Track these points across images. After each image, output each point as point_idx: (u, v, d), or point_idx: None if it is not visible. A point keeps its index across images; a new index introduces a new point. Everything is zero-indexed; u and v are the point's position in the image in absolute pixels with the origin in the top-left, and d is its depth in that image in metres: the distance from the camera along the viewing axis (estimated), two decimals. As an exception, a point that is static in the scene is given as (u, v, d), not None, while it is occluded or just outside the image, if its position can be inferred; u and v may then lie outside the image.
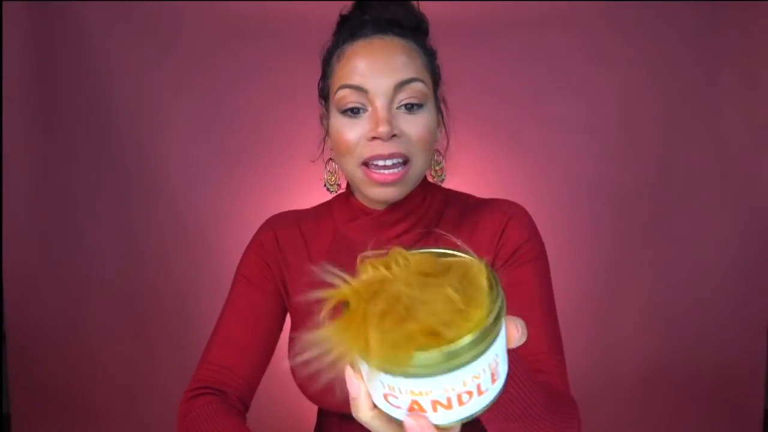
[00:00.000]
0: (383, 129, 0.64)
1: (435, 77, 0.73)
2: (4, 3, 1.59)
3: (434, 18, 0.75)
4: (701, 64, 1.71)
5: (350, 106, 0.66)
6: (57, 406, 1.72)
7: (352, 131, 0.67)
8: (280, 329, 0.78)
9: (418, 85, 0.66)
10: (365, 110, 0.67)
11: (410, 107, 0.67)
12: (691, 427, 1.77)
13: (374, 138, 0.65)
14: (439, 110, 0.74)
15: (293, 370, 0.74)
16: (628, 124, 1.75)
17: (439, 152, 0.75)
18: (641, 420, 1.77)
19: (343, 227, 0.74)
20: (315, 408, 0.81)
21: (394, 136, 0.65)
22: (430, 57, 0.73)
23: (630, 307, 1.78)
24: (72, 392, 1.72)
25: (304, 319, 0.74)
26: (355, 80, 0.66)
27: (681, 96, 1.73)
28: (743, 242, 1.75)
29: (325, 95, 0.74)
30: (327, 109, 0.73)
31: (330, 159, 0.76)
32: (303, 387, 0.74)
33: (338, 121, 0.68)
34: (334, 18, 0.74)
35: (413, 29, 0.72)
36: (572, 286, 1.61)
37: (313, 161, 0.79)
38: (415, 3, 0.75)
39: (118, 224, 1.74)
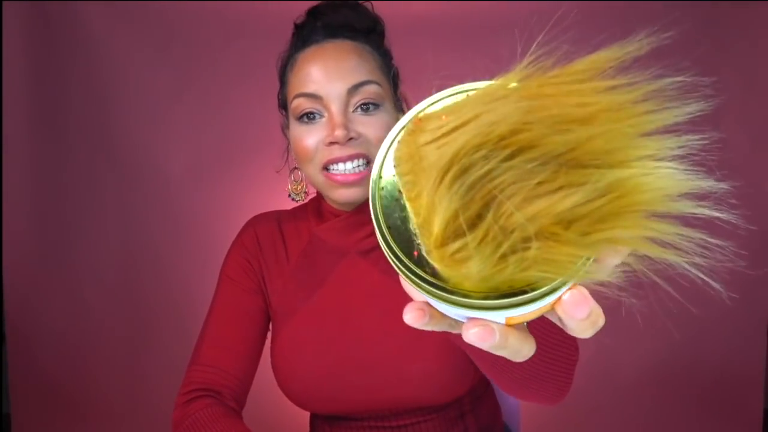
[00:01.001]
0: (339, 133, 0.64)
1: (393, 78, 0.73)
2: (4, 3, 1.59)
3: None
4: (701, 64, 1.70)
5: (305, 111, 0.67)
6: (57, 406, 1.72)
7: (310, 137, 0.68)
8: (268, 327, 0.78)
9: (372, 87, 0.67)
10: (321, 116, 0.67)
11: (366, 108, 0.67)
12: (691, 427, 1.77)
13: (332, 143, 0.66)
14: (400, 110, 0.74)
15: (276, 372, 0.74)
16: (628, 124, 1.75)
17: None
18: (641, 420, 1.77)
19: (315, 229, 0.75)
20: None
21: (351, 139, 0.66)
22: (385, 58, 0.73)
23: (630, 306, 1.78)
24: (72, 392, 1.72)
25: (282, 319, 0.74)
26: (309, 88, 0.67)
27: (681, 96, 1.73)
28: (743, 242, 1.75)
29: (283, 104, 0.77)
30: (287, 118, 0.75)
31: (295, 168, 0.78)
32: (285, 390, 0.74)
33: (296, 129, 0.70)
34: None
35: (366, 32, 0.72)
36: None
37: (278, 171, 0.82)
38: (369, 5, 0.75)
39: (117, 224, 1.74)
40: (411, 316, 0.27)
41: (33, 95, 1.66)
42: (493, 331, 0.25)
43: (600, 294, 0.27)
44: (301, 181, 0.77)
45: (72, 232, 1.71)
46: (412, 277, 0.24)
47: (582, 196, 0.21)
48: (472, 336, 0.25)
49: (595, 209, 0.21)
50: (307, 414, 0.85)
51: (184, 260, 1.73)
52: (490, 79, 0.29)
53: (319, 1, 0.75)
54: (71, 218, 1.71)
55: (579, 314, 0.27)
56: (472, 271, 0.21)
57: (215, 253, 0.81)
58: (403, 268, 0.24)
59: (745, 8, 1.66)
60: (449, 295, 0.23)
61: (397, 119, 0.70)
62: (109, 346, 1.73)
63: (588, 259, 0.23)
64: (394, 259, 0.24)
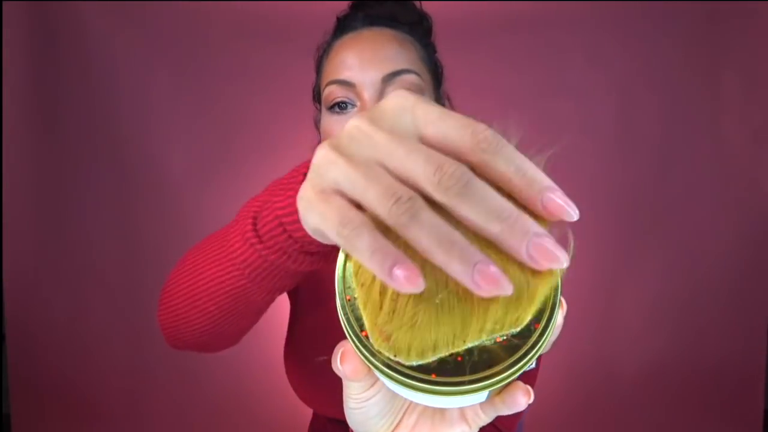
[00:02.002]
0: None
1: (435, 72, 0.68)
2: (4, 3, 1.59)
3: (432, 18, 0.74)
4: (701, 64, 1.71)
5: (337, 100, 0.62)
6: (57, 406, 1.72)
7: (340, 129, 0.61)
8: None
9: (409, 77, 0.61)
10: (354, 105, 0.62)
11: None
12: (691, 427, 1.77)
13: None
14: None
15: (288, 371, 0.74)
16: (627, 125, 1.75)
17: None
18: (641, 419, 1.77)
19: None
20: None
21: None
22: (427, 50, 0.68)
23: (630, 307, 1.78)
24: (72, 392, 1.72)
25: (307, 308, 0.72)
26: (342, 74, 0.61)
27: (680, 96, 1.73)
28: (743, 242, 1.75)
29: (317, 95, 0.71)
30: (320, 110, 0.69)
31: None
32: (297, 388, 0.74)
33: (327, 119, 0.64)
34: (331, 17, 0.73)
35: (410, 24, 0.68)
36: (572, 286, 1.61)
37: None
38: (417, 3, 0.71)
39: (118, 223, 1.74)
40: (350, 368, 0.26)
41: (33, 95, 1.66)
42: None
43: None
44: None
45: (72, 232, 1.71)
46: (364, 351, 0.24)
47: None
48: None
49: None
50: (307, 414, 0.85)
51: (184, 260, 1.73)
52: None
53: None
54: (71, 218, 1.71)
55: (521, 406, 0.27)
56: (399, 341, 0.23)
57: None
58: (355, 340, 0.24)
59: (745, 8, 1.65)
60: (400, 376, 0.23)
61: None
62: (109, 345, 1.73)
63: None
64: (349, 332, 0.25)
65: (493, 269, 0.20)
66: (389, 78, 0.60)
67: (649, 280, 1.78)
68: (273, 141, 1.70)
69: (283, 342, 0.76)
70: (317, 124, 0.72)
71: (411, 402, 0.32)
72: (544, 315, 0.23)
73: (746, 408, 1.77)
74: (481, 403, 0.29)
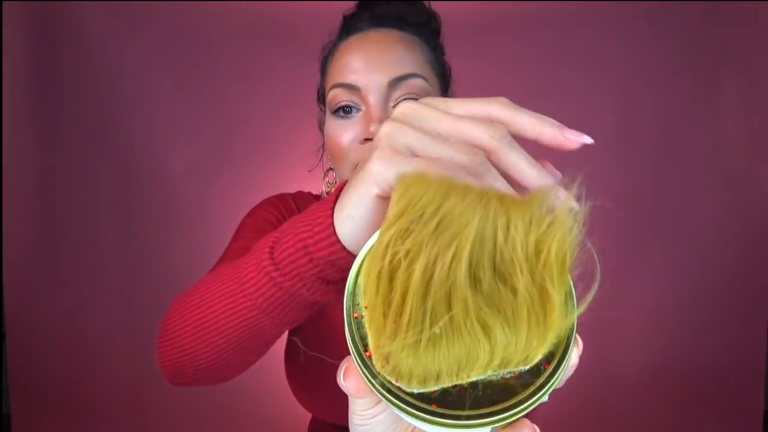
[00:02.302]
0: (375, 129, 0.57)
1: (442, 75, 0.66)
2: (4, 3, 1.59)
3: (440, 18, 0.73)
4: (701, 64, 1.71)
5: (341, 104, 0.60)
6: (57, 406, 1.72)
7: (344, 133, 0.60)
8: None
9: (416, 81, 0.59)
10: (358, 109, 0.60)
11: None
12: (691, 427, 1.77)
13: (367, 140, 0.58)
14: None
15: (289, 377, 0.74)
16: (627, 125, 1.75)
17: None
18: (641, 420, 1.77)
19: None
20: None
21: None
22: (435, 52, 0.66)
23: (630, 307, 1.78)
24: (72, 392, 1.72)
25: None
26: (347, 78, 0.59)
27: (680, 96, 1.73)
28: (743, 242, 1.75)
29: (322, 97, 0.69)
30: (325, 112, 0.67)
31: (329, 169, 0.69)
32: (297, 395, 0.73)
33: (331, 124, 0.62)
34: (335, 17, 0.72)
35: (418, 25, 0.66)
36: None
37: (311, 171, 0.74)
38: (426, 3, 0.69)
39: (118, 223, 1.74)
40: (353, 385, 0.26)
41: (33, 95, 1.66)
42: None
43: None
44: (336, 183, 0.67)
45: (72, 232, 1.71)
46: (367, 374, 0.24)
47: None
48: None
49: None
50: (307, 416, 0.85)
51: (184, 260, 1.73)
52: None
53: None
54: (71, 218, 1.71)
55: None
56: (401, 366, 0.22)
57: (215, 252, 0.80)
58: (358, 359, 0.24)
59: (745, 8, 1.65)
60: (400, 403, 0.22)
61: None
62: (109, 345, 1.73)
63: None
64: (353, 350, 0.24)
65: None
66: (395, 82, 0.59)
67: (649, 280, 1.78)
68: (275, 142, 1.70)
69: (281, 343, 0.76)
70: (321, 125, 0.71)
71: None
72: (556, 355, 0.23)
73: (746, 408, 1.77)
74: None
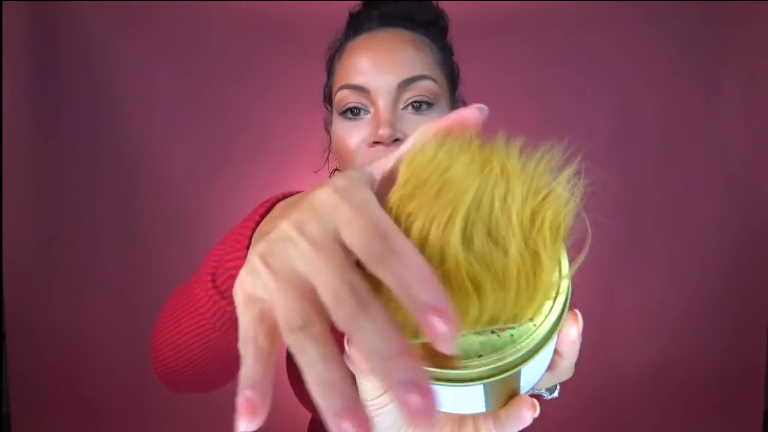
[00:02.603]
0: (384, 132, 0.56)
1: (451, 76, 0.66)
2: (4, 3, 1.59)
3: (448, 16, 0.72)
4: (700, 64, 1.71)
5: (349, 106, 0.59)
6: (57, 406, 1.72)
7: (352, 136, 0.59)
8: None
9: (426, 84, 0.58)
10: (367, 111, 0.59)
11: (418, 107, 0.59)
12: (691, 427, 1.77)
13: (375, 143, 0.58)
14: None
15: (290, 375, 0.73)
16: (627, 124, 1.75)
17: None
18: (641, 420, 1.77)
19: None
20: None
21: (396, 140, 0.57)
22: (444, 53, 0.66)
23: (630, 307, 1.78)
24: (72, 392, 1.72)
25: None
26: (355, 79, 0.59)
27: (681, 96, 1.73)
28: (743, 242, 1.75)
29: (328, 98, 0.68)
30: (331, 113, 0.66)
31: (336, 169, 0.68)
32: (299, 394, 0.73)
33: (338, 125, 0.61)
34: (335, 17, 0.71)
35: (426, 24, 0.65)
36: (572, 286, 1.61)
37: (317, 171, 0.73)
38: (435, 2, 0.69)
39: (118, 223, 1.74)
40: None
41: (33, 95, 1.66)
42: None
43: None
44: None
45: (72, 231, 1.71)
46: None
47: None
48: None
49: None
50: (307, 415, 0.85)
51: (184, 260, 1.72)
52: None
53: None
54: (71, 218, 1.71)
55: (572, 336, 0.26)
56: (394, 316, 0.22)
57: (215, 253, 0.80)
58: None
59: (745, 8, 1.65)
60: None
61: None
62: (109, 345, 1.73)
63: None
64: None
65: (356, 421, 0.20)
66: (405, 84, 0.58)
67: (649, 280, 1.78)
68: (276, 142, 1.70)
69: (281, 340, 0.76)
70: (327, 126, 0.70)
71: None
72: (546, 317, 0.23)
73: (746, 408, 1.77)
74: (489, 418, 0.29)
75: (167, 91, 1.71)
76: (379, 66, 0.58)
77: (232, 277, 0.40)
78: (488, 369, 0.22)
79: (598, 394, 1.74)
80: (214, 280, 0.42)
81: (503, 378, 0.23)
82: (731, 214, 1.75)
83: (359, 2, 0.69)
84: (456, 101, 0.68)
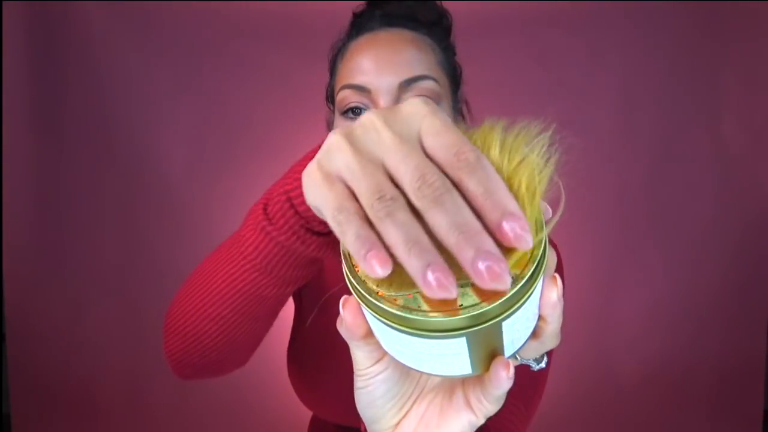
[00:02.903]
0: None
1: (453, 76, 0.66)
2: (4, 3, 1.59)
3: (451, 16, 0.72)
4: (700, 64, 1.71)
5: (351, 106, 0.60)
6: (57, 406, 1.72)
7: None
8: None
9: (428, 84, 0.59)
10: (368, 111, 0.60)
11: None
12: (691, 427, 1.77)
13: None
14: (459, 113, 0.67)
15: (291, 374, 0.73)
16: (627, 124, 1.75)
17: None
18: (641, 420, 1.77)
19: None
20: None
21: None
22: (447, 53, 0.66)
23: (630, 307, 1.78)
24: (72, 392, 1.72)
25: (312, 312, 0.71)
26: (357, 79, 0.59)
27: (680, 96, 1.73)
28: (743, 242, 1.75)
29: (330, 97, 0.69)
30: (333, 112, 0.66)
31: None
32: (299, 392, 0.73)
33: (340, 125, 0.62)
34: (337, 17, 0.71)
35: (429, 24, 0.65)
36: (572, 286, 1.61)
37: None
38: (438, 2, 0.69)
39: (118, 224, 1.74)
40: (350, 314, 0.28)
41: (33, 95, 1.66)
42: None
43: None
44: None
45: (72, 232, 1.71)
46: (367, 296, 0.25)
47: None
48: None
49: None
50: (307, 414, 0.85)
51: (184, 260, 1.72)
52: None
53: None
54: (71, 218, 1.71)
55: (551, 297, 0.27)
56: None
57: (215, 253, 0.80)
58: (350, 277, 0.26)
59: (745, 8, 1.66)
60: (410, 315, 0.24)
61: (455, 122, 0.63)
62: (108, 346, 1.73)
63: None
64: (346, 272, 0.26)
65: (443, 273, 0.21)
66: (406, 84, 0.58)
67: (649, 279, 1.78)
68: (275, 142, 1.70)
69: (282, 340, 0.76)
70: (329, 125, 0.70)
71: (420, 390, 0.33)
72: (523, 270, 0.24)
73: (746, 408, 1.77)
74: (477, 385, 0.30)
75: (168, 91, 1.71)
76: (381, 66, 0.59)
77: (287, 194, 0.40)
78: (468, 317, 0.23)
79: (597, 394, 1.75)
80: (265, 208, 0.42)
81: (484, 329, 0.24)
82: (731, 214, 1.75)
83: (362, 2, 0.69)
84: (458, 102, 0.68)
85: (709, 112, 1.74)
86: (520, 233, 0.22)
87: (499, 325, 0.24)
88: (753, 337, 1.76)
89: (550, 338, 0.29)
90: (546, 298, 0.27)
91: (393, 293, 0.24)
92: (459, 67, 0.69)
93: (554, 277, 0.27)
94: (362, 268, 0.23)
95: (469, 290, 0.24)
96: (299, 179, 0.37)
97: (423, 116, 0.26)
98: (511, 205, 0.23)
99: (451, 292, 0.21)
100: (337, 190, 0.25)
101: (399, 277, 0.24)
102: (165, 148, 1.72)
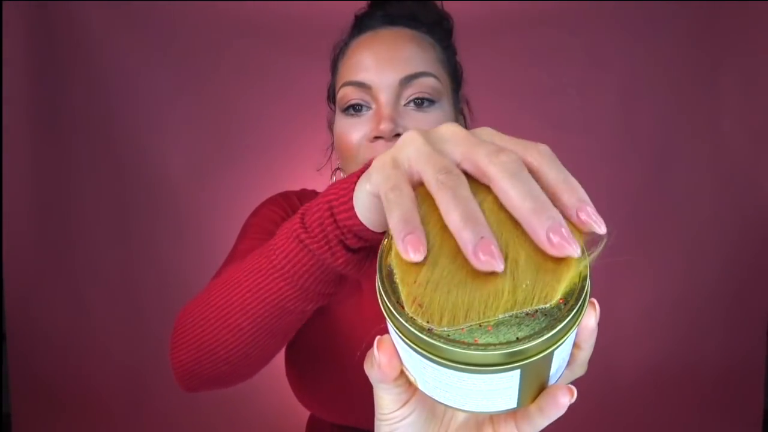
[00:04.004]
0: (384, 126, 0.56)
1: (454, 75, 0.66)
2: (4, 3, 1.59)
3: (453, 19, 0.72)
4: (701, 64, 1.71)
5: (352, 103, 0.59)
6: (57, 406, 1.72)
7: (354, 132, 0.59)
8: None
9: (428, 80, 0.59)
10: (369, 108, 0.59)
11: (420, 103, 0.59)
12: (691, 427, 1.77)
13: (377, 138, 0.58)
14: (459, 112, 0.67)
15: (289, 375, 0.73)
16: (627, 124, 1.75)
17: None
18: (641, 420, 1.77)
19: None
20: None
21: (398, 135, 0.57)
22: (447, 51, 0.66)
23: (629, 307, 1.78)
24: (72, 392, 1.72)
25: (312, 315, 0.71)
26: (358, 76, 0.59)
27: (681, 96, 1.73)
28: (743, 242, 1.75)
29: (332, 96, 0.68)
30: (334, 111, 0.66)
31: (337, 168, 0.68)
32: (298, 393, 0.73)
33: (341, 122, 0.62)
34: (337, 16, 0.71)
35: (430, 24, 0.66)
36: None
37: (319, 170, 0.73)
38: (438, 3, 0.69)
39: (118, 224, 1.74)
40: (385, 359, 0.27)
41: (33, 95, 1.66)
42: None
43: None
44: None
45: (72, 232, 1.71)
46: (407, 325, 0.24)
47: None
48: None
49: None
50: (306, 414, 0.85)
51: (184, 260, 1.73)
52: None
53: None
54: (71, 218, 1.71)
55: (591, 327, 0.28)
56: (432, 306, 0.23)
57: (216, 253, 0.80)
58: (391, 309, 0.25)
59: (745, 8, 1.65)
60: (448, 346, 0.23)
61: (455, 121, 0.63)
62: (109, 346, 1.73)
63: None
64: (385, 302, 0.25)
65: (494, 245, 0.22)
66: (407, 81, 0.58)
67: (649, 279, 1.78)
68: (276, 142, 1.70)
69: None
70: (331, 125, 0.70)
71: (446, 430, 0.32)
72: (571, 299, 0.24)
73: (746, 408, 1.77)
74: (516, 417, 0.28)
75: (168, 90, 1.71)
76: (381, 62, 0.59)
77: (329, 203, 0.39)
78: (527, 347, 0.23)
79: (597, 394, 1.74)
80: (302, 218, 0.42)
81: (539, 360, 0.23)
82: (731, 214, 1.75)
83: (364, 3, 0.69)
84: (459, 101, 0.68)
85: (709, 112, 1.74)
86: (595, 219, 0.24)
87: (551, 355, 0.24)
88: (753, 337, 1.76)
89: (581, 366, 0.29)
90: (584, 325, 0.27)
91: (446, 329, 0.23)
92: (460, 67, 0.69)
93: (593, 303, 0.28)
94: (396, 248, 0.23)
95: (525, 321, 0.23)
96: (342, 191, 0.37)
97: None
98: (585, 195, 0.24)
99: (498, 264, 0.22)
100: (398, 173, 0.26)
101: (452, 304, 0.23)
102: (165, 147, 1.72)
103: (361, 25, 0.66)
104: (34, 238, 1.70)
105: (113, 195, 1.73)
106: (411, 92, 0.59)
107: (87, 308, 1.73)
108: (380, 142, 0.58)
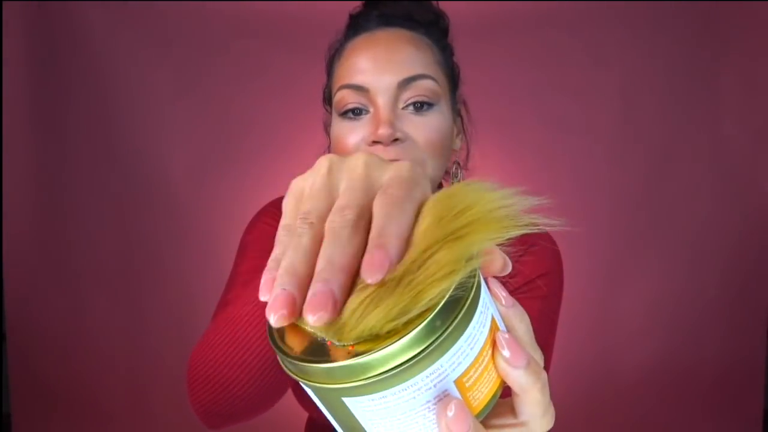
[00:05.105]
0: (383, 131, 0.55)
1: (451, 76, 0.65)
2: (4, 3, 1.59)
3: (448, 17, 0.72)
4: (701, 64, 1.71)
5: (350, 107, 0.59)
6: (57, 406, 1.72)
7: (352, 136, 0.58)
8: None
9: (426, 83, 0.58)
10: (367, 111, 0.59)
11: (419, 107, 0.58)
12: (691, 427, 1.77)
13: (375, 142, 0.57)
14: (457, 114, 0.67)
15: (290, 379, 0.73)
16: (628, 125, 1.75)
17: (459, 164, 0.67)
18: (641, 419, 1.77)
19: None
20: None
21: (396, 140, 0.56)
22: (444, 53, 0.65)
23: (630, 307, 1.78)
24: (72, 392, 1.72)
25: None
26: (355, 79, 0.58)
27: (681, 96, 1.73)
28: (743, 242, 1.75)
29: (328, 99, 0.68)
30: (331, 114, 0.65)
31: None
32: (299, 397, 0.73)
33: (338, 126, 0.60)
34: (336, 17, 0.70)
35: (427, 24, 0.65)
36: (572, 286, 1.61)
37: None
38: (435, 3, 0.68)
39: (118, 224, 1.73)
40: None
41: (33, 95, 1.66)
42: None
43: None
44: None
45: (72, 232, 1.71)
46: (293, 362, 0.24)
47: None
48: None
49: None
50: (304, 413, 0.85)
51: (185, 260, 1.73)
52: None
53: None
54: (71, 218, 1.71)
55: (518, 361, 0.26)
56: (372, 318, 0.22)
57: (216, 253, 0.80)
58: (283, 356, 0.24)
59: (745, 8, 1.66)
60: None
61: (452, 124, 0.63)
62: (108, 346, 1.73)
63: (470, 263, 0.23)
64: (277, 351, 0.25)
65: (284, 297, 0.22)
66: (405, 83, 0.57)
67: (649, 279, 1.78)
68: (276, 142, 1.70)
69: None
70: (327, 127, 0.69)
71: None
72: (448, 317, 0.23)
73: (746, 408, 1.77)
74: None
75: (168, 91, 1.71)
76: (379, 65, 0.58)
77: None
78: (387, 351, 0.22)
79: (597, 394, 1.75)
80: None
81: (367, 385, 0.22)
82: (731, 214, 1.75)
83: (360, 3, 0.69)
84: (457, 102, 0.67)
85: (709, 112, 1.74)
86: (377, 263, 0.22)
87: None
88: (753, 337, 1.76)
89: (531, 348, 0.29)
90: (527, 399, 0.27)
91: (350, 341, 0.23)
92: (457, 67, 0.69)
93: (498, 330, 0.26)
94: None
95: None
96: None
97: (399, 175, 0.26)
98: (392, 242, 0.22)
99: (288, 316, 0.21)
100: (290, 206, 0.27)
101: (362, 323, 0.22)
102: (165, 148, 1.72)
103: (356, 25, 0.65)
104: (34, 238, 1.70)
105: (113, 195, 1.72)
106: (409, 95, 0.58)
107: (87, 308, 1.73)
108: (378, 146, 0.57)
